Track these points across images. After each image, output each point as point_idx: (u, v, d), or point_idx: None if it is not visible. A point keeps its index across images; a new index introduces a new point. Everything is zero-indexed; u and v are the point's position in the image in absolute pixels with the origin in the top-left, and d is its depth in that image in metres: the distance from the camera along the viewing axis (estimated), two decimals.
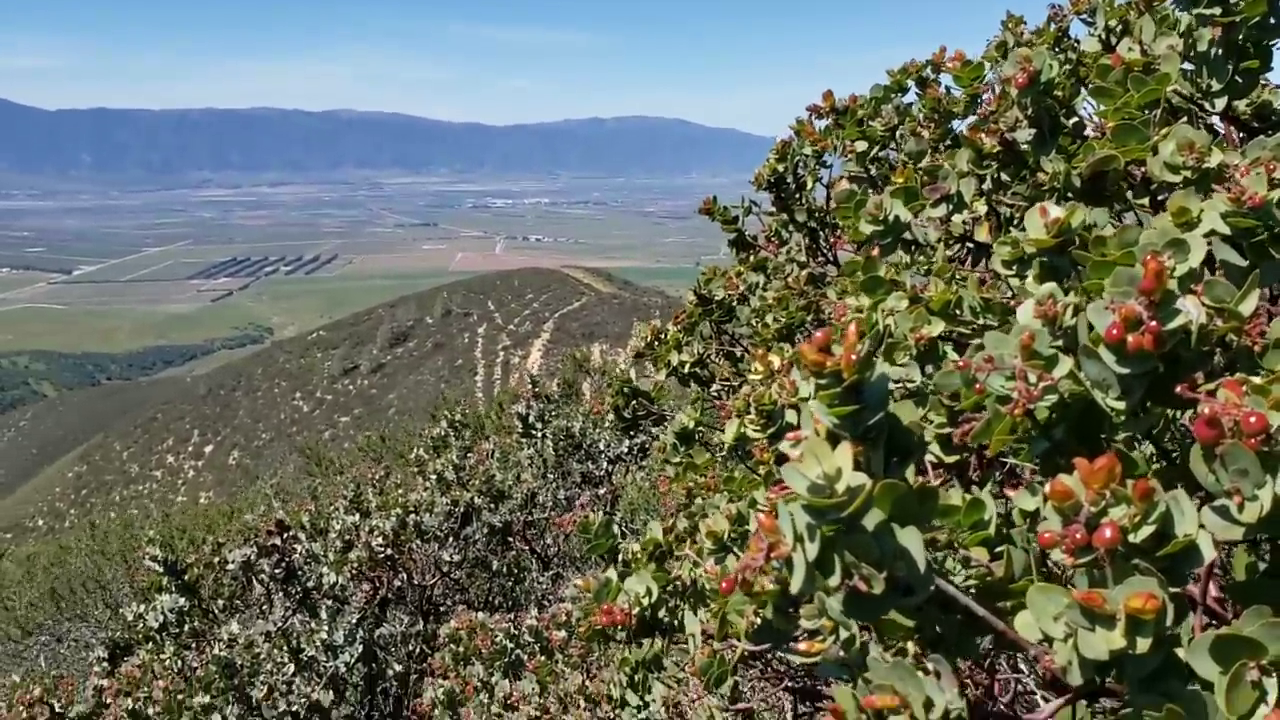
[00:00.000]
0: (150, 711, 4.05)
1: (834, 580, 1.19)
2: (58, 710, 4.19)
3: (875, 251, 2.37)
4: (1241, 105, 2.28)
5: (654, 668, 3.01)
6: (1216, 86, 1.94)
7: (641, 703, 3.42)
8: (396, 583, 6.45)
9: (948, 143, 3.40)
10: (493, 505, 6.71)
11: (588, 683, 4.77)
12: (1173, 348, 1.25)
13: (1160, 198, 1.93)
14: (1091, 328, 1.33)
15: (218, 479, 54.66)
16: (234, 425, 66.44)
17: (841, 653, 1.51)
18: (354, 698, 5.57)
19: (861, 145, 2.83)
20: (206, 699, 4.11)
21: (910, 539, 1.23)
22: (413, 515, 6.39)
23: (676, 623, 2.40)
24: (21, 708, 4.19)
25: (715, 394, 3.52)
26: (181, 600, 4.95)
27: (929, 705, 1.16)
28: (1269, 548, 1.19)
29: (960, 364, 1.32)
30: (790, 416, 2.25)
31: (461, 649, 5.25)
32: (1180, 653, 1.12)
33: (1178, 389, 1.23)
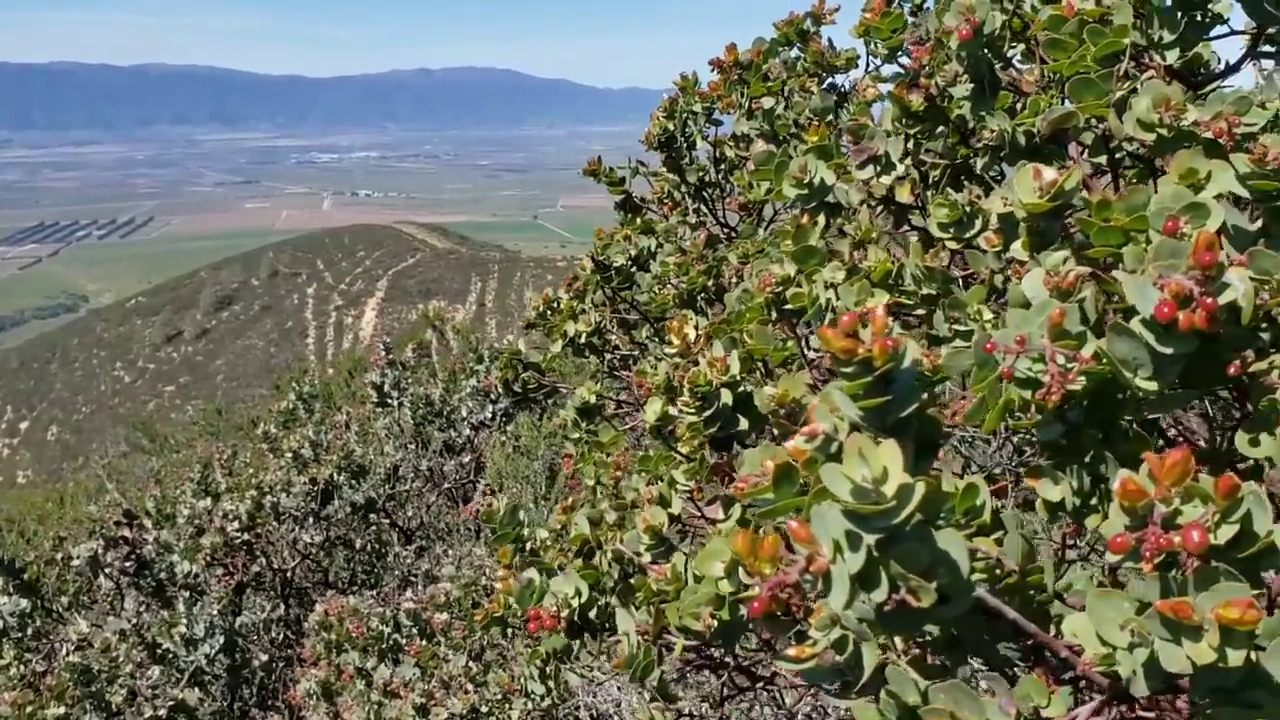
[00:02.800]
0: None
1: (880, 594, 1.06)
2: None
3: (805, 219, 2.25)
4: (1172, 56, 2.24)
5: (565, 658, 2.86)
6: (1168, 38, 1.88)
7: (546, 691, 3.28)
8: (254, 568, 6.11)
9: (834, 100, 3.31)
10: (354, 481, 6.41)
11: (472, 664, 4.60)
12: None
13: (1119, 156, 1.86)
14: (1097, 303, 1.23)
15: (36, 456, 51.57)
16: (50, 399, 62.74)
17: (836, 657, 1.39)
18: (218, 691, 5.25)
19: (769, 101, 2.70)
20: (61, 710, 3.76)
21: (952, 543, 1.11)
22: (269, 496, 6.05)
23: (606, 621, 2.26)
24: None
25: (610, 365, 3.36)
26: (22, 602, 4.53)
27: None
28: None
29: (987, 346, 1.20)
30: (726, 397, 2.13)
31: (333, 636, 5.00)
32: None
33: (1230, 370, 1.14)
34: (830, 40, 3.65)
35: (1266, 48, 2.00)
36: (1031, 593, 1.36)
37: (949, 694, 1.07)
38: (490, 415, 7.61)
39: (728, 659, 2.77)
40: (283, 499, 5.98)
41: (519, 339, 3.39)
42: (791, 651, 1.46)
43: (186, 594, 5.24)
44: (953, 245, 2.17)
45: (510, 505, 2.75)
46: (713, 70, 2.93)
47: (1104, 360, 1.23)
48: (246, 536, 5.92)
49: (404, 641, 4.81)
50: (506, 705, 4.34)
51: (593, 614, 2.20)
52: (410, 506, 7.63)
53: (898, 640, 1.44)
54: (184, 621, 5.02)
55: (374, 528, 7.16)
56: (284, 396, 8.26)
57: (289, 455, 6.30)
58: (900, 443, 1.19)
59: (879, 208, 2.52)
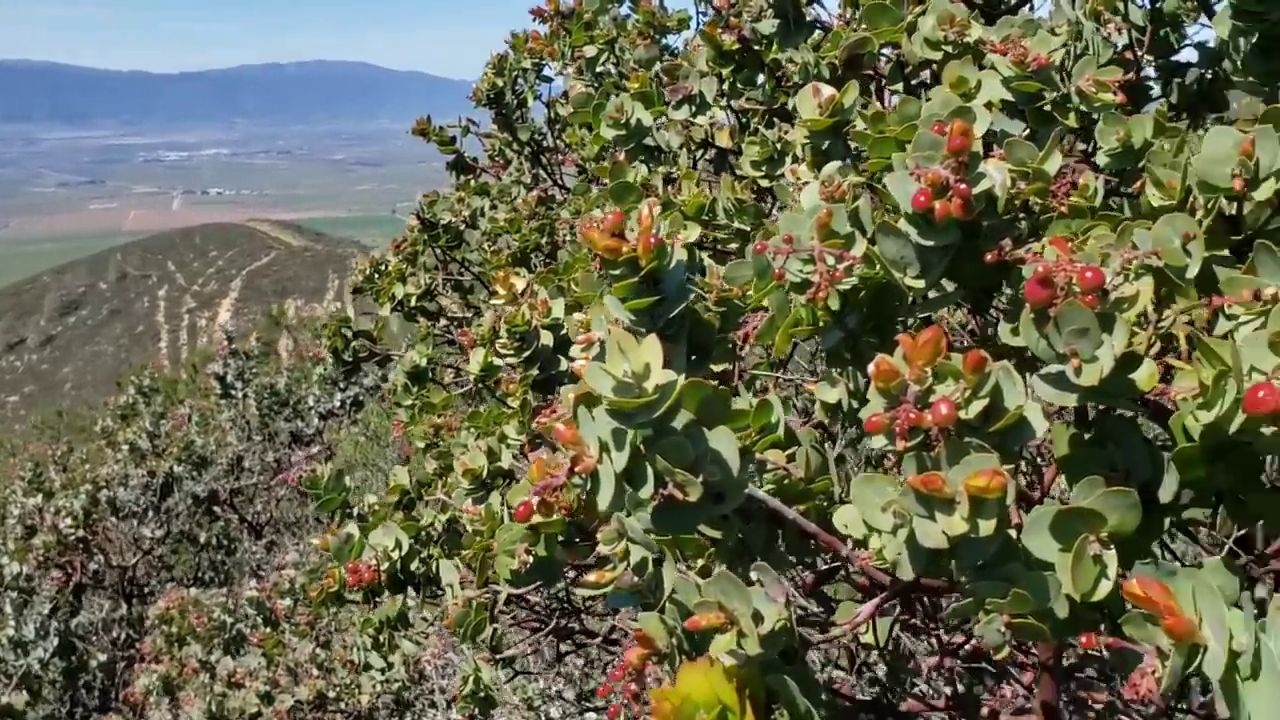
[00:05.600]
0: None
1: (646, 490, 1.05)
2: None
3: (621, 157, 2.24)
4: None
5: (399, 625, 2.80)
6: None
7: (386, 664, 3.20)
8: (92, 566, 5.84)
9: (664, 58, 3.31)
10: (195, 473, 6.18)
11: (319, 650, 4.48)
12: (974, 217, 1.18)
13: (914, 82, 1.89)
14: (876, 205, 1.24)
15: None
16: None
17: (635, 579, 1.38)
18: (53, 695, 5.00)
19: (591, 50, 2.68)
20: None
21: (722, 440, 1.10)
22: (104, 491, 5.79)
23: (430, 574, 2.21)
24: None
25: (445, 329, 3.30)
26: None
27: (758, 618, 1.04)
28: (1091, 419, 1.14)
29: (757, 247, 1.20)
30: (546, 338, 2.10)
31: (174, 629, 4.81)
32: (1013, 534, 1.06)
33: (988, 257, 1.16)
34: (662, 1, 3.65)
35: None
36: (819, 500, 1.37)
37: (717, 585, 1.06)
38: (339, 403, 7.43)
39: (564, 622, 2.75)
40: (120, 493, 5.73)
41: (347, 306, 3.30)
42: (591, 576, 1.44)
43: (14, 595, 4.97)
44: (765, 183, 2.18)
45: (335, 471, 2.67)
46: (534, 19, 2.88)
47: (876, 266, 1.25)
48: (82, 533, 5.65)
49: (248, 631, 4.67)
50: (356, 690, 4.24)
51: (415, 567, 2.15)
52: (259, 501, 7.40)
53: (698, 562, 1.44)
54: (12, 625, 4.77)
55: (221, 522, 6.93)
56: (124, 391, 7.91)
57: (126, 448, 6.03)
58: (672, 344, 1.18)
59: (700, 152, 2.53)
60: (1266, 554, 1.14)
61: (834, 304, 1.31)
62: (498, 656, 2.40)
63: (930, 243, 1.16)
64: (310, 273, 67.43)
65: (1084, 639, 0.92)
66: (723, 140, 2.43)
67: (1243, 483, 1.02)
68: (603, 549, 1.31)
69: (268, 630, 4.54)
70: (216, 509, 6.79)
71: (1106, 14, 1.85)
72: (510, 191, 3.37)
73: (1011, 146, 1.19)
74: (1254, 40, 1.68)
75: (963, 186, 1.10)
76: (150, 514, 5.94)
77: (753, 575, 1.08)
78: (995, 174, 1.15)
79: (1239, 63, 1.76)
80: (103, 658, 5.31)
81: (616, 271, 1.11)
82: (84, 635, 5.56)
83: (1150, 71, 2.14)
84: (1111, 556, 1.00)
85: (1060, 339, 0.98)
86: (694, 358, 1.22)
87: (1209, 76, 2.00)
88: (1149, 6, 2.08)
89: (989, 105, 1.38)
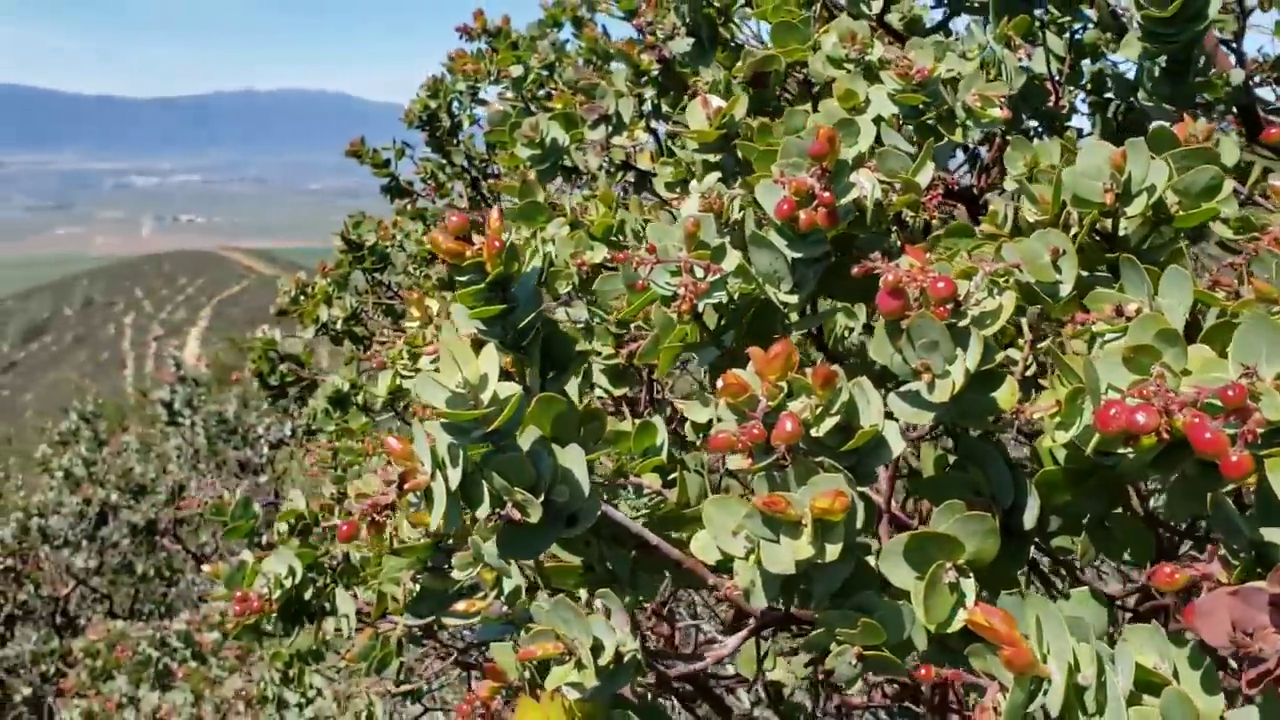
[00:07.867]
0: None
1: (483, 510, 0.98)
2: None
3: (531, 175, 2.19)
4: (894, 18, 2.27)
5: (311, 659, 2.70)
6: None
7: (304, 699, 3.10)
8: (21, 596, 5.68)
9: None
10: (133, 501, 6.04)
11: (246, 686, 4.36)
12: (847, 229, 1.13)
13: (819, 102, 1.85)
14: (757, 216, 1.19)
15: None
16: None
17: (505, 608, 1.31)
18: None
19: (517, 70, 2.63)
20: None
21: (572, 459, 1.03)
22: (37, 518, 5.65)
23: (328, 604, 2.12)
24: None
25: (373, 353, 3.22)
26: None
27: (598, 649, 0.98)
28: (954, 440, 1.09)
29: (617, 256, 1.14)
30: None
31: (100, 663, 4.67)
32: (872, 561, 1.00)
33: (854, 270, 1.10)
34: (604, 26, 3.63)
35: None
36: (697, 525, 1.31)
37: (555, 612, 0.99)
38: (290, 431, 7.31)
39: (473, 654, 2.65)
40: (52, 521, 5.58)
41: (274, 328, 3.23)
42: (460, 605, 1.38)
43: None
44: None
45: (243, 497, 2.58)
46: (461, 37, 2.82)
47: (754, 281, 1.19)
48: (11, 562, 5.51)
49: (175, 665, 4.53)
50: None
51: (309, 596, 2.06)
52: (204, 531, 7.25)
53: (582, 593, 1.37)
54: None
55: (164, 553, 6.78)
56: (67, 416, 7.75)
57: (60, 474, 5.89)
58: (524, 357, 1.12)
59: (620, 174, 2.48)
60: (1137, 586, 1.08)
61: (709, 320, 1.26)
62: (402, 690, 2.32)
63: (799, 254, 1.11)
64: None
65: (921, 671, 0.86)
66: (643, 162, 2.38)
67: (1108, 508, 0.97)
68: (457, 574, 1.24)
69: (195, 665, 4.42)
70: (158, 538, 6.64)
71: (1016, 39, 1.83)
72: (444, 215, 3.31)
73: (883, 157, 1.14)
74: (1162, 64, 1.65)
75: (826, 195, 1.05)
76: (84, 543, 5.80)
77: (597, 603, 1.02)
78: (865, 183, 1.10)
79: (1149, 88, 1.74)
80: (28, 691, 5.15)
81: (463, 277, 1.05)
82: (11, 668, 5.41)
83: (1081, 102, 2.13)
84: (970, 585, 0.94)
85: (914, 353, 0.93)
86: (554, 374, 1.16)
87: (1126, 105, 1.98)
88: (1069, 37, 2.06)
89: (879, 120, 1.34)
